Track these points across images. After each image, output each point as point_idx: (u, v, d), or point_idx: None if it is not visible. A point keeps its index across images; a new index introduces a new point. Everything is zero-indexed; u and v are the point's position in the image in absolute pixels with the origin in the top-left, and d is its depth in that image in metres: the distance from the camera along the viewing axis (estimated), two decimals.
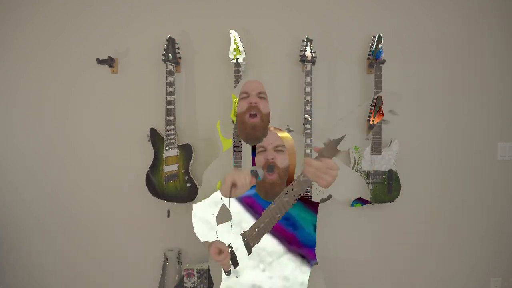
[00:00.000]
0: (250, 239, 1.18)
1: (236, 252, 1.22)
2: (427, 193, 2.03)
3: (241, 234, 1.20)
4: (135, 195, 2.04)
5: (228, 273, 1.22)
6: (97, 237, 2.09)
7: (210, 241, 1.25)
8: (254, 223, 1.17)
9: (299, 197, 1.08)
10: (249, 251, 1.18)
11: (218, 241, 1.21)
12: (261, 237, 1.16)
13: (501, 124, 2.01)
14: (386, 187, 1.90)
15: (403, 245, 2.05)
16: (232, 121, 1.77)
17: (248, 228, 1.19)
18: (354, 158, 1.91)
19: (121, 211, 2.07)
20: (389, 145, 1.91)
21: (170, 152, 1.89)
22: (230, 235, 1.23)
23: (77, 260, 2.11)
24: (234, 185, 1.08)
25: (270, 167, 1.14)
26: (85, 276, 2.11)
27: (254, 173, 1.11)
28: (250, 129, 1.20)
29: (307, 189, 1.20)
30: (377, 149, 1.88)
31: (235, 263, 1.22)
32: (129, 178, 2.04)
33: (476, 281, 2.06)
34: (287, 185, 1.18)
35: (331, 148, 1.04)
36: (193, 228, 1.31)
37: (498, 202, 2.03)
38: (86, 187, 2.07)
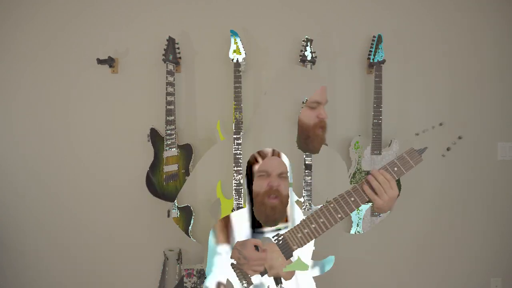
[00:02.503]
0: (292, 242, 1.04)
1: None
2: (427, 193, 2.03)
3: (276, 236, 1.05)
4: (135, 195, 2.04)
5: (248, 284, 1.06)
6: (97, 237, 2.09)
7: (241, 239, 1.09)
8: (299, 224, 1.04)
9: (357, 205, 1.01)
10: (289, 255, 1.05)
11: (249, 240, 1.07)
12: (312, 239, 1.05)
13: (501, 124, 2.01)
14: None
15: (403, 245, 2.05)
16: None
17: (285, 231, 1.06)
18: (355, 158, 1.92)
19: (121, 211, 2.07)
20: (389, 145, 1.91)
21: (170, 152, 1.89)
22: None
23: (77, 260, 2.10)
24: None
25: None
26: (85, 276, 2.11)
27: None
28: (270, 211, 1.07)
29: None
30: (377, 149, 1.88)
31: (263, 271, 1.06)
32: (129, 178, 2.04)
33: (476, 281, 2.06)
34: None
35: (410, 160, 0.99)
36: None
37: (498, 202, 2.02)
38: (86, 187, 2.07)
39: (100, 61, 1.96)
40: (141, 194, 2.01)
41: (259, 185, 1.09)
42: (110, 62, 1.97)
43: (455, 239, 2.04)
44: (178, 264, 2.02)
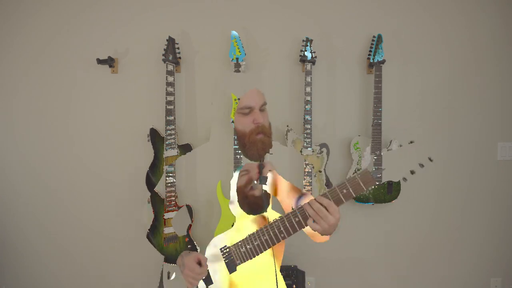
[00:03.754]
0: (236, 256, 1.04)
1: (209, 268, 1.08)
2: (427, 193, 2.03)
3: (222, 249, 1.05)
4: (135, 195, 2.04)
5: None
6: (97, 237, 2.09)
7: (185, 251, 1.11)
8: (244, 239, 1.03)
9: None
10: (232, 269, 1.04)
11: (196, 252, 1.08)
12: (254, 256, 1.03)
13: (501, 124, 2.01)
14: (386, 187, 1.90)
15: (403, 245, 2.05)
16: (232, 121, 1.75)
17: (232, 243, 1.06)
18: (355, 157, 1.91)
19: (121, 211, 2.07)
20: (389, 145, 1.91)
21: (170, 152, 1.89)
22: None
23: (77, 261, 2.10)
24: None
25: (262, 178, 1.09)
26: (85, 276, 2.11)
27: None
28: (261, 145, 1.08)
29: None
30: (377, 149, 1.88)
31: (209, 281, 1.07)
32: (129, 178, 2.04)
33: (476, 281, 2.06)
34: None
35: (361, 182, 0.92)
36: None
37: (498, 202, 2.02)
38: (86, 187, 2.07)
39: (100, 61, 1.96)
40: (141, 194, 2.01)
41: (243, 123, 1.09)
42: (110, 62, 1.97)
43: (455, 239, 2.04)
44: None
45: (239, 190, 1.14)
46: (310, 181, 1.86)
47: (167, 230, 1.88)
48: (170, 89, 1.88)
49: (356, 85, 2.00)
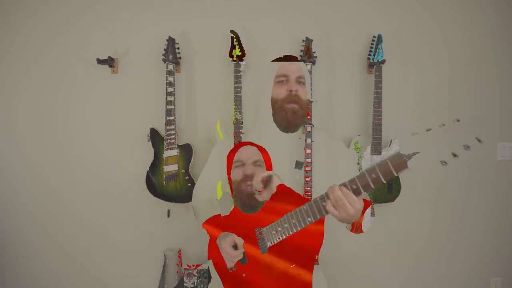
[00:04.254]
0: (267, 237, 1.09)
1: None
2: (427, 193, 2.03)
3: (257, 229, 1.10)
4: (135, 195, 2.04)
5: (231, 269, 1.15)
6: (97, 237, 2.09)
7: (222, 232, 1.15)
8: (276, 222, 1.08)
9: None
10: (264, 250, 1.10)
11: (233, 235, 1.12)
12: (282, 238, 1.08)
13: (501, 124, 2.01)
14: (386, 187, 1.90)
15: (403, 245, 2.05)
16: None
17: (265, 226, 1.10)
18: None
19: (121, 211, 2.07)
20: (389, 145, 1.91)
21: (170, 152, 1.89)
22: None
23: (77, 261, 2.10)
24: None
25: (299, 164, 1.11)
26: (85, 276, 2.11)
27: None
28: (291, 115, 1.08)
29: None
30: (377, 149, 1.88)
31: (244, 260, 1.14)
32: (129, 178, 2.04)
33: (476, 281, 2.06)
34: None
35: (393, 168, 0.88)
36: (194, 227, 1.28)
37: (498, 202, 2.03)
38: (86, 187, 2.07)
39: (100, 61, 1.96)
40: (141, 194, 2.01)
41: (235, 174, 1.14)
42: (110, 62, 1.97)
43: (455, 239, 2.05)
44: (178, 264, 2.02)
45: (234, 184, 1.15)
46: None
47: (167, 169, 1.87)
48: (170, 89, 1.88)
49: (356, 85, 2.00)
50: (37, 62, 2.05)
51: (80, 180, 2.07)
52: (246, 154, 1.14)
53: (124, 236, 2.08)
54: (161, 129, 1.95)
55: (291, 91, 1.08)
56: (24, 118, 2.07)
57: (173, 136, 1.89)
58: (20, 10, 2.05)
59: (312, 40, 1.89)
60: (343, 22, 2.00)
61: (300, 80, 1.11)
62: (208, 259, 1.19)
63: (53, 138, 2.07)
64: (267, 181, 1.09)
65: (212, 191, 1.29)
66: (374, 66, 1.87)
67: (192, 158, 1.92)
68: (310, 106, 1.20)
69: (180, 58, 1.96)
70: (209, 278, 1.84)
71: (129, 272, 2.09)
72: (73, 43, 2.04)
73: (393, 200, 1.91)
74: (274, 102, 1.12)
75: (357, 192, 0.93)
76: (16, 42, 2.05)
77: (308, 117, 1.26)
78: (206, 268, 1.88)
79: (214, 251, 1.16)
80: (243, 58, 1.87)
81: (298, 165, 1.16)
